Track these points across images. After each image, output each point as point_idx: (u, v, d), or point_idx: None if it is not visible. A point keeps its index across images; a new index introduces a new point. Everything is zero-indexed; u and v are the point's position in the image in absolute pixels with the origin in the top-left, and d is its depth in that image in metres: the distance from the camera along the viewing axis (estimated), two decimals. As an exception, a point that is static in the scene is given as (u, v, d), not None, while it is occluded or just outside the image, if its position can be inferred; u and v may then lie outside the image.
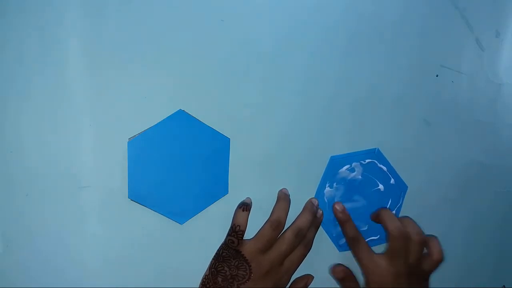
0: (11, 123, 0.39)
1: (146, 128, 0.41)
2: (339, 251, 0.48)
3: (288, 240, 0.42)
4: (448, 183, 0.52)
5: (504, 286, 0.56)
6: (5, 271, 0.40)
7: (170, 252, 0.43)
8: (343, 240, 0.47)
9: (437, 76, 0.50)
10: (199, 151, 0.43)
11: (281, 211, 0.43)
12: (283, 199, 0.44)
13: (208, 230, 0.44)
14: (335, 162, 0.47)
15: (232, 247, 0.41)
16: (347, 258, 0.48)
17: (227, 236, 0.42)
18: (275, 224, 0.42)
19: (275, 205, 0.44)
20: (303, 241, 0.44)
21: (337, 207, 0.45)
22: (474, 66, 0.52)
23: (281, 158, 0.46)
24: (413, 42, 0.49)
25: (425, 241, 0.44)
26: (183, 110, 0.42)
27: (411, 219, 0.46)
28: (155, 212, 0.42)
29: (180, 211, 0.43)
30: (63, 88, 0.39)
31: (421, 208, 0.51)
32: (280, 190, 0.45)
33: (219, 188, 0.44)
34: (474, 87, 0.52)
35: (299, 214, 0.45)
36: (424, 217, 0.51)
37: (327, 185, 0.47)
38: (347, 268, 0.46)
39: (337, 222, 0.47)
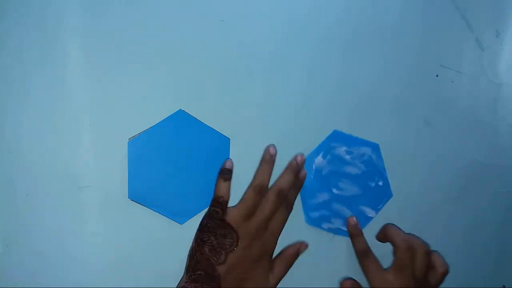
0: (11, 123, 0.39)
1: (146, 128, 0.41)
2: (308, 224, 0.47)
3: (271, 202, 0.42)
4: (448, 183, 0.52)
5: (504, 286, 0.56)
6: (5, 271, 0.40)
7: (170, 252, 0.43)
8: (316, 214, 0.47)
9: (437, 76, 0.50)
10: (199, 151, 0.43)
11: (264, 175, 0.43)
12: (267, 161, 0.43)
13: (208, 230, 0.44)
14: (337, 137, 0.47)
15: (216, 218, 0.41)
16: (345, 258, 0.48)
17: (210, 207, 0.42)
18: (258, 188, 0.42)
19: (258, 168, 0.43)
20: (284, 202, 0.43)
21: (351, 220, 0.46)
22: (474, 66, 0.52)
23: (281, 158, 0.46)
24: (413, 42, 0.49)
25: (430, 252, 0.44)
26: (183, 110, 0.42)
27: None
28: (155, 212, 0.42)
29: (180, 211, 0.43)
30: (63, 88, 0.39)
31: (421, 208, 0.51)
32: (267, 148, 0.43)
33: (219, 188, 0.44)
34: (474, 87, 0.52)
35: (281, 173, 0.44)
36: (424, 217, 0.51)
37: (321, 154, 0.47)
38: (356, 282, 0.46)
39: (315, 194, 0.46)
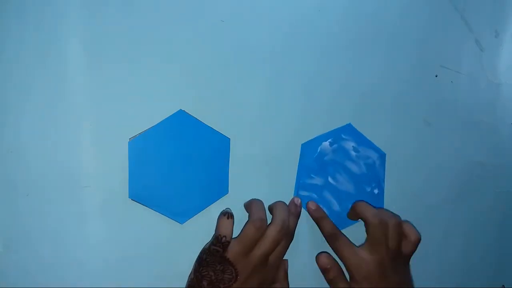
0: (11, 123, 0.39)
1: (146, 128, 0.41)
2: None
3: (272, 238, 0.40)
4: (448, 183, 0.52)
5: (503, 286, 0.56)
6: (5, 271, 0.40)
7: (170, 252, 0.43)
8: (305, 193, 0.47)
9: (436, 76, 0.50)
10: (199, 151, 0.43)
11: (258, 211, 0.42)
12: (254, 200, 0.44)
13: (208, 230, 0.43)
14: (349, 131, 0.47)
15: (217, 255, 0.40)
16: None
17: (211, 245, 0.41)
18: (258, 223, 0.40)
19: (250, 208, 0.43)
20: (285, 236, 0.42)
21: (310, 205, 0.45)
22: (474, 66, 0.52)
23: (281, 157, 0.46)
24: (413, 42, 0.49)
25: (401, 224, 0.44)
26: (183, 110, 0.42)
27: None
28: (156, 212, 0.42)
29: (180, 211, 0.43)
30: (63, 88, 0.39)
31: (422, 208, 0.51)
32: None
33: (219, 188, 0.44)
34: (474, 87, 0.52)
35: (275, 207, 0.43)
36: (425, 217, 0.51)
37: (329, 140, 0.47)
38: (333, 258, 0.44)
39: (310, 175, 0.46)
